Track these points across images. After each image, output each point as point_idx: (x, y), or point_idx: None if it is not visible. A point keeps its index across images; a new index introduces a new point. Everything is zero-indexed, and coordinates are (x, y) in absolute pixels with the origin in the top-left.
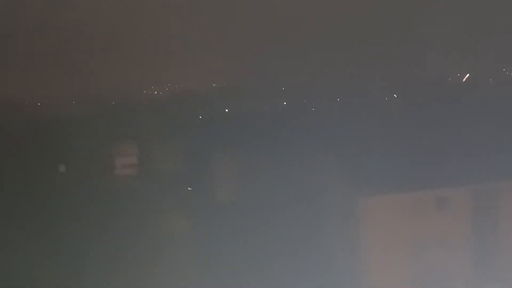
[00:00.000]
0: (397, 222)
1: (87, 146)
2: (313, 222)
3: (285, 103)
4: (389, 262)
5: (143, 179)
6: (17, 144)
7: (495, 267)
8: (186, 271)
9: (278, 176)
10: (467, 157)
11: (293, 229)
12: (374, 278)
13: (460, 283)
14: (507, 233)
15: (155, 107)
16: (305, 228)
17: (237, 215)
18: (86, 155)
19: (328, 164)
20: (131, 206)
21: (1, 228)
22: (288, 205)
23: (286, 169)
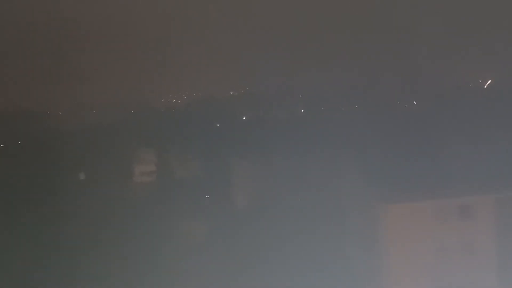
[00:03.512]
0: (420, 229)
1: (107, 153)
2: (333, 229)
3: (302, 110)
4: (411, 269)
5: (161, 186)
6: (39, 152)
7: None
8: (204, 277)
9: (296, 183)
10: (489, 163)
11: (312, 235)
12: (396, 285)
13: None
14: None
15: (173, 115)
16: (326, 235)
17: (255, 221)
18: (105, 162)
19: (347, 171)
20: (149, 213)
21: (22, 233)
22: (307, 212)
23: (305, 176)
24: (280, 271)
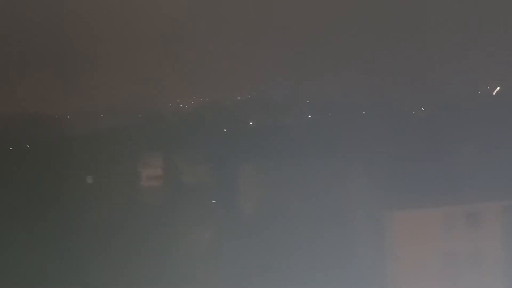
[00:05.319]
0: (427, 236)
1: (114, 158)
2: (340, 235)
3: (309, 116)
4: (419, 276)
5: (168, 191)
6: (47, 156)
7: None
8: (211, 283)
9: (303, 189)
10: (498, 170)
11: (320, 241)
12: None
13: None
14: None
15: (180, 119)
16: (333, 241)
17: (262, 227)
18: (112, 166)
19: (355, 176)
20: (156, 218)
21: (29, 237)
22: (314, 218)
23: (311, 182)
24: (287, 277)
